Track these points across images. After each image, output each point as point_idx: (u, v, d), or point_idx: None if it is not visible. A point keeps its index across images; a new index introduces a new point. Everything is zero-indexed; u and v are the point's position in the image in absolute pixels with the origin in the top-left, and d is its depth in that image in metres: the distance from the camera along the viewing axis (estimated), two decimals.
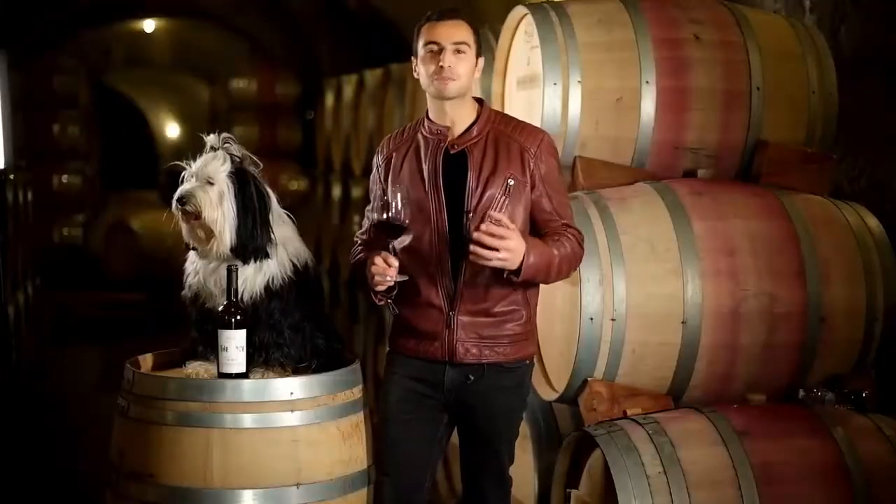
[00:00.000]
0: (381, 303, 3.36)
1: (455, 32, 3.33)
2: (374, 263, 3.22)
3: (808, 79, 4.31)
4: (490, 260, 3.19)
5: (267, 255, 3.31)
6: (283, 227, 3.41)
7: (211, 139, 3.36)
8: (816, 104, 4.32)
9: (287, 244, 3.39)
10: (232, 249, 3.27)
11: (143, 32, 15.39)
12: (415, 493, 3.46)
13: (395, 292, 3.32)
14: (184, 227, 3.34)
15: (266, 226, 3.31)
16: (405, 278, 3.28)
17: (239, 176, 3.30)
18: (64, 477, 5.96)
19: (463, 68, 3.32)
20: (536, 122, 4.05)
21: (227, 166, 3.29)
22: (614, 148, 4.16)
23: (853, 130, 4.76)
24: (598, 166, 4.15)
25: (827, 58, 4.37)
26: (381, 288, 3.27)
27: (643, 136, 4.15)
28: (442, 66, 3.30)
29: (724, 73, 4.19)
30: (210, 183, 3.27)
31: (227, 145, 3.34)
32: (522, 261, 3.21)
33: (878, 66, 4.75)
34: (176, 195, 3.28)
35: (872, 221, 4.25)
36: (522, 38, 4.34)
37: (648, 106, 4.13)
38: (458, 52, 3.31)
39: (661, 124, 4.14)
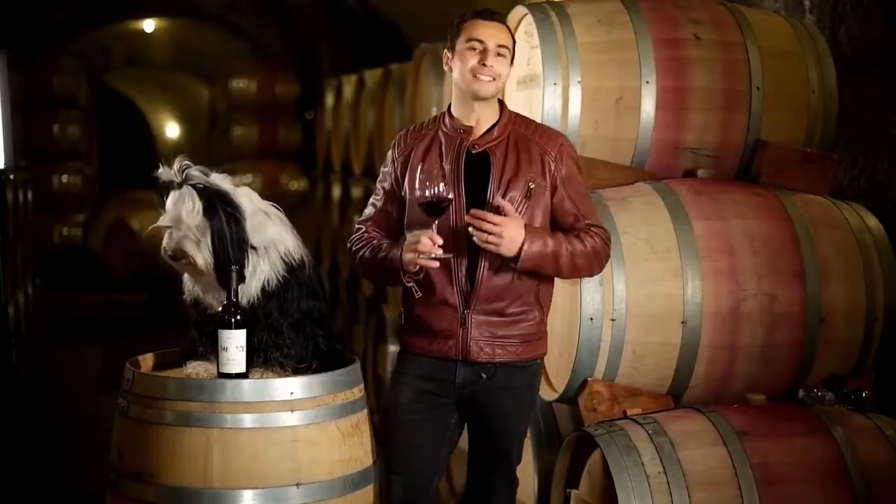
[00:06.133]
0: (410, 283, 3.37)
1: (499, 35, 3.40)
2: (418, 241, 3.24)
3: (808, 79, 4.31)
4: (484, 243, 3.24)
5: (243, 266, 3.28)
6: (271, 227, 3.37)
7: (170, 174, 3.32)
8: (816, 104, 4.32)
9: (278, 243, 3.36)
10: (216, 272, 3.28)
11: (143, 32, 15.39)
12: (424, 492, 3.48)
13: (422, 274, 3.34)
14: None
15: (241, 243, 3.29)
16: (450, 256, 3.31)
17: (210, 211, 3.27)
18: (64, 477, 5.97)
19: (504, 70, 3.40)
20: None
21: (198, 206, 3.26)
22: (614, 148, 4.17)
23: (853, 130, 4.76)
24: (598, 166, 4.15)
25: (827, 58, 4.37)
26: (428, 265, 3.27)
27: (643, 136, 4.15)
28: (485, 64, 3.34)
29: (724, 73, 4.19)
30: (188, 228, 3.27)
31: (186, 172, 3.31)
32: (522, 248, 3.24)
33: (878, 66, 4.74)
34: (168, 252, 3.28)
35: (872, 221, 4.25)
36: (522, 38, 4.34)
37: (648, 106, 4.13)
38: (500, 54, 3.38)
39: (661, 124, 4.14)
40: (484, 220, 3.22)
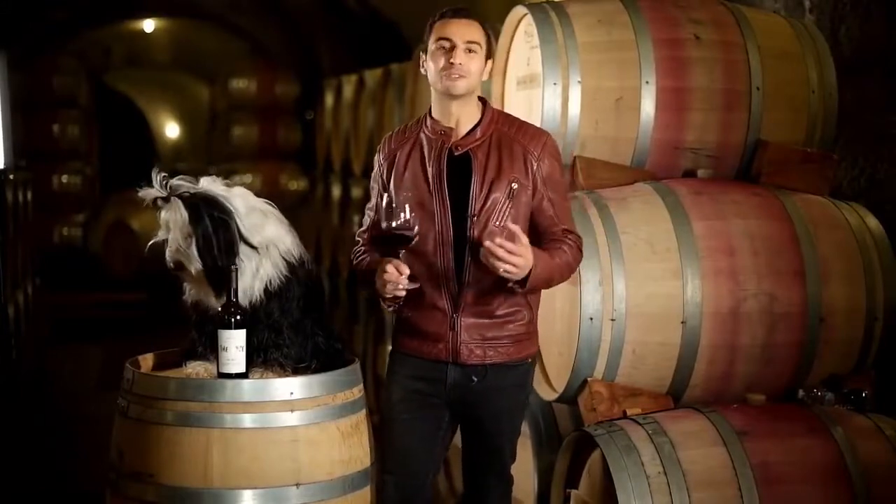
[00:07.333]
0: (391, 308, 3.38)
1: (468, 31, 3.35)
2: (385, 271, 3.23)
3: (808, 79, 4.31)
4: (498, 269, 3.20)
5: (232, 272, 3.27)
6: (270, 226, 3.37)
7: (154, 192, 3.31)
8: (816, 104, 4.32)
9: (277, 242, 3.36)
10: (207, 277, 3.28)
11: (143, 32, 15.41)
12: (418, 492, 3.48)
13: (403, 297, 3.33)
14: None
15: (230, 245, 3.28)
16: (416, 285, 3.30)
17: (194, 218, 3.27)
18: (64, 477, 5.97)
19: (474, 67, 3.34)
20: (536, 123, 4.05)
21: (184, 216, 3.26)
22: (614, 148, 4.17)
23: (853, 130, 4.76)
24: (598, 166, 4.15)
25: (827, 58, 4.37)
26: (397, 294, 3.28)
27: (643, 136, 4.15)
28: (452, 63, 3.31)
29: (724, 73, 4.19)
30: (176, 239, 3.27)
31: (169, 183, 3.30)
32: (529, 273, 3.23)
33: (878, 66, 4.75)
34: (168, 262, 3.29)
35: (872, 221, 4.25)
36: (522, 38, 4.34)
37: (648, 106, 4.13)
38: (470, 51, 3.34)
39: (661, 124, 4.14)
40: (513, 253, 3.17)
